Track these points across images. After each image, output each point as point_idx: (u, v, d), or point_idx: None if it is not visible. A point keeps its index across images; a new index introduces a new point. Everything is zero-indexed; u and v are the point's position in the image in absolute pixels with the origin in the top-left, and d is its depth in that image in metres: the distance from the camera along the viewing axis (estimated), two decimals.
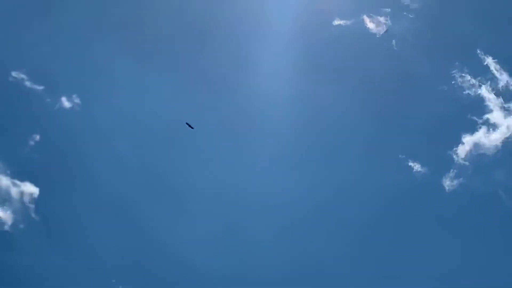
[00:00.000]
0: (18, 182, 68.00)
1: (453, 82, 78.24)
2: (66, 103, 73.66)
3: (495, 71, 77.96)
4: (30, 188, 67.86)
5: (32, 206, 67.62)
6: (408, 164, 74.61)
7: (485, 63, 78.49)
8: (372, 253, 71.79)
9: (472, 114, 76.18)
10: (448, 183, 74.22)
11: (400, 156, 75.13)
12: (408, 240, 72.67)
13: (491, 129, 76.04)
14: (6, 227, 66.30)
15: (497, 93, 76.95)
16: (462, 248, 71.85)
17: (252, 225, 71.63)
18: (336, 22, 79.89)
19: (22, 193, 67.42)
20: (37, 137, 71.20)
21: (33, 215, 67.29)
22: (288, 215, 71.59)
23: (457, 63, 78.75)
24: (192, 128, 69.62)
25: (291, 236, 70.61)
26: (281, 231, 70.65)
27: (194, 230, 70.86)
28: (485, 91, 77.37)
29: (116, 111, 76.38)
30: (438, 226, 73.32)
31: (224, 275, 69.36)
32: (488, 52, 78.39)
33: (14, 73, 72.87)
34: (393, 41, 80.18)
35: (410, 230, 73.29)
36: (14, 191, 67.37)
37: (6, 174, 68.02)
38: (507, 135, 75.80)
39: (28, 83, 73.33)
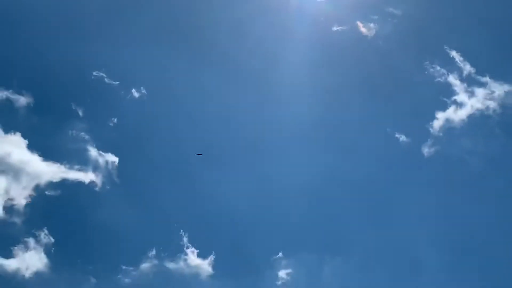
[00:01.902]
0: (103, 153, 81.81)
1: (426, 72, 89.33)
2: (136, 93, 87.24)
3: (459, 62, 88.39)
4: (112, 158, 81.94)
5: (114, 171, 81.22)
6: (395, 136, 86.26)
7: (451, 56, 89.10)
8: (366, 205, 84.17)
9: (443, 96, 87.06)
10: (426, 150, 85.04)
11: (388, 129, 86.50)
12: (396, 195, 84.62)
13: (458, 107, 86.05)
14: (97, 188, 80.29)
15: (462, 80, 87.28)
16: (437, 201, 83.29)
17: (280, 182, 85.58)
18: (335, 28, 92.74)
19: (106, 162, 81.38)
20: (115, 120, 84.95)
21: (115, 179, 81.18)
22: (305, 174, 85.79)
23: (429, 57, 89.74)
24: (200, 154, 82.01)
25: (308, 189, 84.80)
26: (301, 185, 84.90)
27: (235, 185, 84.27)
28: (452, 79, 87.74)
29: (175, 99, 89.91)
30: (419, 184, 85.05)
31: (257, 217, 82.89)
32: (453, 48, 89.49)
33: (95, 73, 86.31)
34: (380, 41, 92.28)
35: (397, 187, 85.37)
36: (100, 160, 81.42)
37: (94, 147, 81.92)
38: (471, 112, 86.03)
39: (106, 80, 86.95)
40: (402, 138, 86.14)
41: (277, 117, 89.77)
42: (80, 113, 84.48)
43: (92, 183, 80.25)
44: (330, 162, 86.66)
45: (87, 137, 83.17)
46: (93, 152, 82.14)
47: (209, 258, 78.10)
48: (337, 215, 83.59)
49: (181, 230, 79.41)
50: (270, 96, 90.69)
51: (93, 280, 74.43)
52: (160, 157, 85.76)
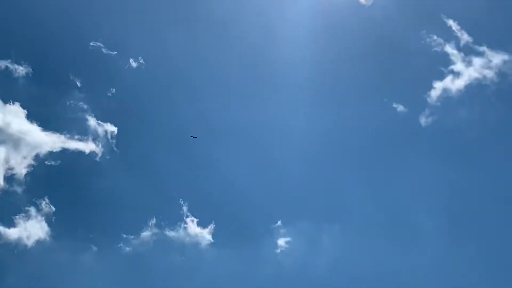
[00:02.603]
0: (102, 123, 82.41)
1: (423, 42, 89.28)
2: (133, 63, 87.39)
3: (456, 32, 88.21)
4: (111, 128, 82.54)
5: (114, 141, 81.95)
6: (392, 106, 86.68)
7: (448, 25, 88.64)
8: (365, 174, 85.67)
9: (440, 66, 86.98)
10: (423, 120, 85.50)
11: (385, 99, 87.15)
12: (394, 164, 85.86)
13: (455, 77, 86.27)
14: (97, 158, 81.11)
15: (459, 49, 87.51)
16: (435, 169, 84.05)
17: (278, 151, 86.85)
18: None
19: (106, 131, 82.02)
20: (113, 90, 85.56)
21: (115, 148, 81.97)
22: (303, 143, 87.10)
23: (426, 26, 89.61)
24: (195, 137, 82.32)
25: (306, 158, 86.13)
26: (299, 154, 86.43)
27: (234, 154, 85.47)
28: (449, 48, 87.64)
29: (172, 69, 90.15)
30: (416, 153, 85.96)
31: (257, 186, 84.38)
32: (450, 17, 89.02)
33: (92, 43, 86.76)
34: (378, 11, 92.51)
35: (395, 156, 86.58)
36: (100, 130, 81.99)
37: (93, 117, 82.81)
38: (468, 81, 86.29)
39: (104, 50, 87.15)
40: (400, 108, 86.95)
41: (275, 87, 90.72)
42: (78, 84, 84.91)
43: (92, 153, 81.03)
44: (328, 131, 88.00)
45: (85, 107, 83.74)
46: (92, 122, 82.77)
47: (209, 227, 79.01)
48: (335, 184, 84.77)
49: (181, 199, 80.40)
50: (269, 66, 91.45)
51: (94, 248, 75.46)
52: (158, 127, 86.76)
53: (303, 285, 75.54)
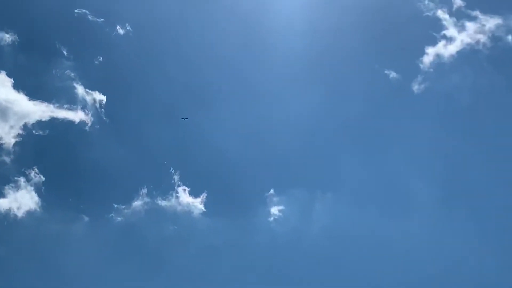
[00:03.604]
0: (90, 91, 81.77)
1: (415, 7, 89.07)
2: (120, 30, 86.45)
3: None
4: (100, 96, 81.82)
5: (102, 110, 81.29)
6: (384, 72, 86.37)
7: None
8: (357, 141, 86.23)
9: (432, 31, 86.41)
10: (416, 86, 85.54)
11: (376, 66, 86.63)
12: (387, 131, 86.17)
13: (448, 42, 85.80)
14: (87, 128, 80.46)
15: (451, 14, 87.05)
16: (428, 136, 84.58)
17: (271, 119, 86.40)
18: None
19: (94, 100, 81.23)
20: (101, 58, 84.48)
21: (104, 118, 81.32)
22: (296, 111, 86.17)
23: None
24: (186, 118, 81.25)
25: (299, 126, 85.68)
26: (292, 122, 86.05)
27: (226, 122, 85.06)
28: (441, 13, 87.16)
29: (161, 35, 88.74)
30: (409, 120, 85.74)
31: (249, 155, 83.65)
32: None
33: (77, 10, 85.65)
34: None
35: (388, 124, 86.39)
36: (88, 99, 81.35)
37: (81, 85, 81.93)
38: (461, 46, 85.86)
39: (90, 17, 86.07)
40: (392, 74, 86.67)
41: (268, 54, 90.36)
42: (65, 52, 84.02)
43: (81, 122, 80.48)
44: (320, 99, 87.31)
45: (73, 75, 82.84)
46: (80, 90, 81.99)
47: (201, 196, 78.73)
48: (328, 152, 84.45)
49: (172, 168, 79.98)
50: (261, 33, 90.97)
51: (85, 218, 75.31)
52: (148, 95, 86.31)
53: (297, 253, 75.50)
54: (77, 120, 79.89)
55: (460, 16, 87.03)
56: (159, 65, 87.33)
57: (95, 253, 73.94)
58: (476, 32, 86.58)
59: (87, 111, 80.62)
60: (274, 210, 78.56)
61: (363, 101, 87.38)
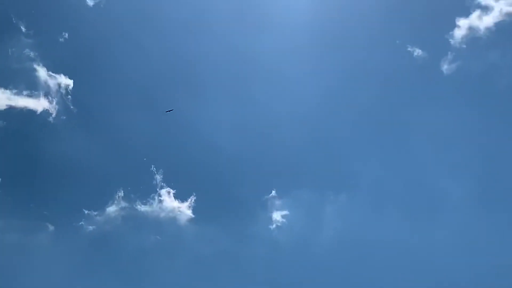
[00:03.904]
0: (54, 74, 77.08)
1: None
2: (90, 2, 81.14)
3: None
4: (66, 80, 77.02)
5: (69, 97, 77.28)
6: (407, 49, 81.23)
7: None
8: (375, 132, 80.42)
9: (465, 0, 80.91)
10: (446, 66, 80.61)
11: (397, 41, 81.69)
12: (410, 120, 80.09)
13: (483, 12, 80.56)
14: (51, 119, 76.07)
15: None
16: (459, 126, 78.90)
17: (272, 105, 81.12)
18: None
19: (59, 85, 76.80)
20: (66, 35, 79.42)
21: (71, 106, 77.19)
22: (302, 95, 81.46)
23: None
24: (171, 110, 77.12)
25: (306, 113, 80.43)
26: (297, 109, 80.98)
27: (217, 111, 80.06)
28: None
29: (136, 7, 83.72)
30: (437, 106, 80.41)
31: (245, 150, 79.06)
32: None
33: None
34: None
35: (411, 111, 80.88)
36: (52, 83, 76.81)
37: (42, 67, 76.98)
38: (499, 18, 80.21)
39: None
40: (417, 52, 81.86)
41: (269, 26, 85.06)
42: (23, 28, 79.35)
43: (44, 111, 76.51)
44: (331, 82, 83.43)
45: (33, 55, 78.32)
46: (42, 73, 77.49)
47: (189, 199, 75.27)
48: (340, 145, 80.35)
49: (153, 166, 76.37)
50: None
51: (50, 227, 71.96)
52: (124, 79, 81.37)
53: (304, 267, 71.44)
54: (39, 109, 75.79)
55: None
56: (136, 43, 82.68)
57: (61, 268, 69.69)
58: None
59: (51, 99, 76.58)
60: (277, 215, 74.74)
61: (382, 85, 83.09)
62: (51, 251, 70.06)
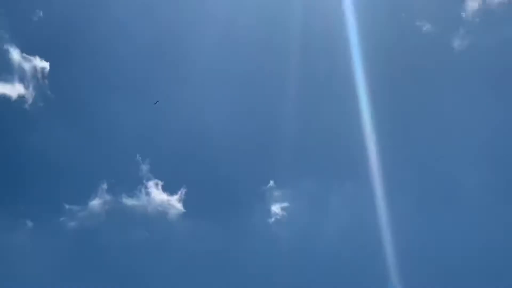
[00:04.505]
0: (28, 56, 73.87)
1: None
2: None
3: None
4: (41, 63, 73.79)
5: (46, 82, 74.04)
6: (415, 24, 78.89)
7: None
8: (381, 114, 75.99)
9: None
10: (457, 42, 78.43)
11: (403, 15, 79.15)
12: (419, 100, 77.59)
13: None
14: (27, 106, 72.83)
15: None
16: (474, 105, 76.11)
17: (267, 82, 77.97)
18: None
19: (35, 68, 73.32)
20: (40, 12, 76.06)
21: (48, 92, 73.99)
22: (300, 72, 76.43)
23: None
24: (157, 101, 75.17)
25: (305, 93, 76.43)
26: (295, 88, 75.99)
27: (207, 92, 77.72)
28: None
29: None
30: (448, 86, 77.69)
31: (239, 136, 75.89)
32: None
33: None
34: None
35: (421, 90, 77.99)
36: (27, 66, 73.39)
37: (15, 48, 73.66)
38: None
39: None
40: (426, 26, 79.32)
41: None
42: None
43: (20, 98, 73.42)
44: (331, 61, 79.33)
45: (5, 36, 74.60)
46: (15, 56, 74.06)
47: (179, 192, 72.57)
48: (345, 129, 76.28)
49: (138, 156, 73.20)
50: None
51: (29, 223, 69.21)
52: (104, 60, 78.29)
53: (306, 265, 68.41)
54: (13, 95, 72.72)
55: None
56: (119, 20, 79.01)
57: (42, 268, 66.59)
58: None
59: (26, 84, 73.64)
60: (276, 208, 72.20)
61: (387, 61, 79.35)
62: (29, 250, 66.84)
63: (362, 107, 77.05)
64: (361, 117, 76.80)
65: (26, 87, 73.22)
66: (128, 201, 70.68)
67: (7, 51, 73.50)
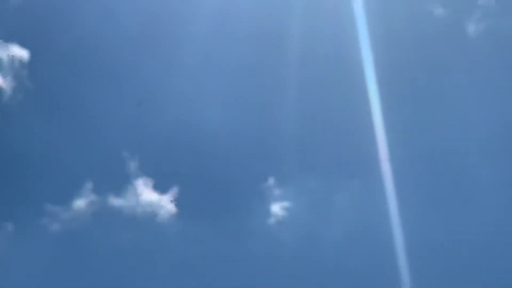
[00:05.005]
0: (5, 43, 70.29)
1: None
2: None
3: None
4: (20, 52, 70.16)
5: (25, 72, 70.82)
6: (427, 8, 75.46)
7: None
8: (390, 103, 72.01)
9: None
10: (472, 26, 75.08)
11: None
12: (431, 89, 73.61)
13: None
14: (5, 98, 69.45)
15: None
16: (492, 95, 72.37)
17: (261, 71, 74.00)
18: None
19: (12, 58, 69.50)
20: None
21: (27, 83, 70.80)
22: (303, 57, 72.94)
23: None
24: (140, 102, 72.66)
25: (308, 80, 72.28)
26: (298, 74, 72.69)
27: (200, 80, 73.71)
28: None
29: None
30: (463, 74, 73.93)
31: (235, 129, 72.02)
32: None
33: None
34: None
35: (434, 77, 74.24)
36: (4, 55, 69.84)
37: None
38: None
39: None
40: (438, 10, 75.91)
41: None
42: None
43: None
44: (338, 49, 74.82)
45: None
46: None
47: (170, 191, 68.70)
48: (352, 119, 72.42)
49: (125, 152, 69.39)
50: None
51: (9, 226, 65.30)
52: (88, 48, 74.10)
53: (310, 268, 64.09)
54: None
55: None
56: (107, 4, 75.77)
57: (23, 274, 62.46)
58: None
59: (3, 74, 70.16)
60: (276, 208, 68.51)
61: (397, 47, 75.34)
62: (8, 256, 62.16)
63: (370, 98, 74.60)
64: (369, 108, 74.59)
65: (4, 78, 70.17)
66: (115, 201, 67.58)
67: None
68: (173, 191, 69.02)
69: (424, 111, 74.25)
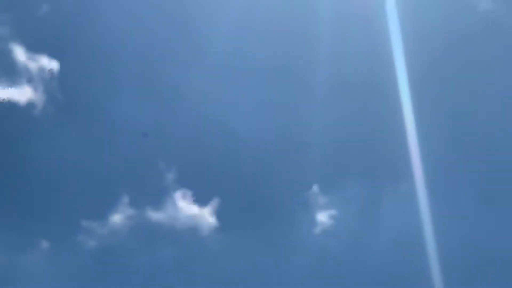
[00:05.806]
0: (35, 55, 68.71)
1: None
2: None
3: None
4: (50, 63, 68.26)
5: (55, 84, 68.97)
6: (471, 1, 72.21)
7: None
8: (436, 105, 70.00)
9: None
10: None
11: None
12: (477, 88, 70.66)
13: None
14: (36, 112, 67.74)
15: None
16: None
17: (303, 76, 71.45)
18: None
19: (42, 69, 68.25)
20: (45, 7, 70.23)
21: (58, 95, 68.83)
22: (342, 58, 70.40)
23: None
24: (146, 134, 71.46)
25: (350, 83, 69.75)
26: (335, 80, 69.88)
27: (238, 87, 71.64)
28: None
29: None
30: (508, 74, 70.53)
31: (277, 136, 70.09)
32: None
33: None
34: None
35: (478, 78, 71.35)
36: (33, 67, 68.22)
37: (21, 46, 68.50)
38: None
39: None
40: (483, 4, 72.99)
41: None
42: None
43: (29, 103, 67.94)
44: (369, 43, 72.47)
45: (8, 32, 70.08)
46: (19, 54, 68.77)
47: (211, 203, 66.95)
48: (395, 122, 69.12)
49: (163, 163, 67.94)
50: None
51: (45, 243, 63.76)
52: (118, 57, 72.16)
53: (359, 279, 61.81)
54: (22, 100, 67.67)
55: None
56: (134, 11, 73.38)
57: None
58: None
59: (34, 87, 68.36)
60: (322, 216, 66.55)
61: (433, 48, 72.63)
62: (45, 273, 60.50)
63: (404, 97, 70.81)
64: (407, 108, 70.54)
65: (35, 91, 69.00)
66: (153, 215, 66.27)
67: (10, 51, 69.14)
68: (213, 203, 68.11)
69: (472, 112, 70.54)
